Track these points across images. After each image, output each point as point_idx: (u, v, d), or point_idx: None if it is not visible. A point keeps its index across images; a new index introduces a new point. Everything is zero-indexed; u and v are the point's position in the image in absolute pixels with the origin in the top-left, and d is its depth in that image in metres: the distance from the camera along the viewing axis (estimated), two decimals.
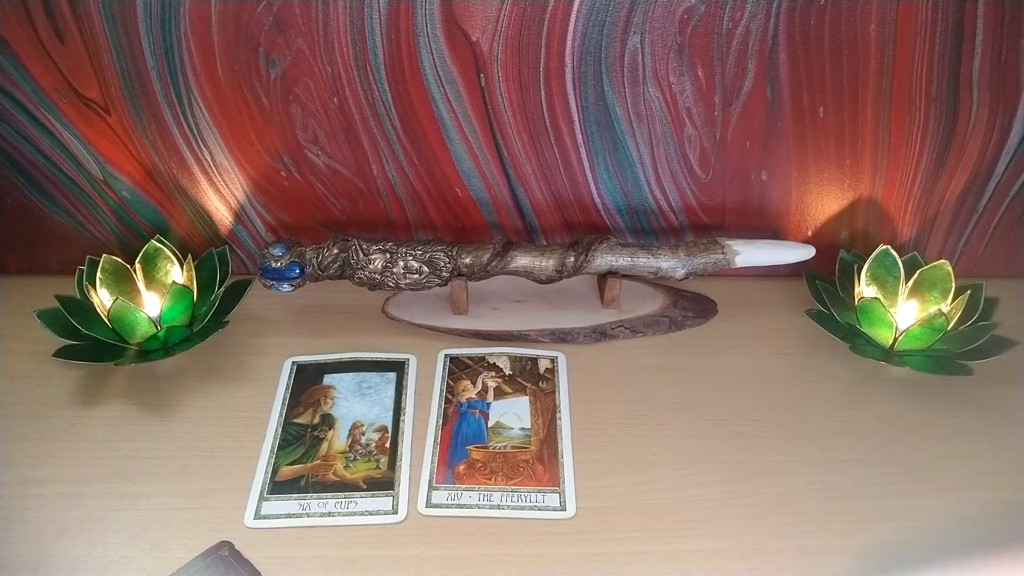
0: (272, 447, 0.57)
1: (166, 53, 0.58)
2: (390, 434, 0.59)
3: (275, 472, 0.56)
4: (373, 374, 0.63)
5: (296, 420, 0.60)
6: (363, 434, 0.58)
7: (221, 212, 0.70)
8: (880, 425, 0.60)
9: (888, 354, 0.63)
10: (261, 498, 0.54)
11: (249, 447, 0.57)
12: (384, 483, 0.55)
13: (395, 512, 0.53)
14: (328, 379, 0.63)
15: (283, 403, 0.61)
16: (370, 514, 0.53)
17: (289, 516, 0.52)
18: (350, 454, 0.57)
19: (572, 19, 0.57)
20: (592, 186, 0.68)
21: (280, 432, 0.58)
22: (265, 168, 0.67)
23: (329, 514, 0.53)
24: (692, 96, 0.62)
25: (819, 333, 0.66)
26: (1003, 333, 0.63)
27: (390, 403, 0.61)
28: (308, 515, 0.53)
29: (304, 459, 0.57)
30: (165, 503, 0.53)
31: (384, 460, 0.57)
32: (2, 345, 0.66)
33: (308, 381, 0.63)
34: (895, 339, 0.63)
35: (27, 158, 0.65)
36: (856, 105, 0.62)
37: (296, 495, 0.54)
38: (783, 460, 0.57)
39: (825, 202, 0.70)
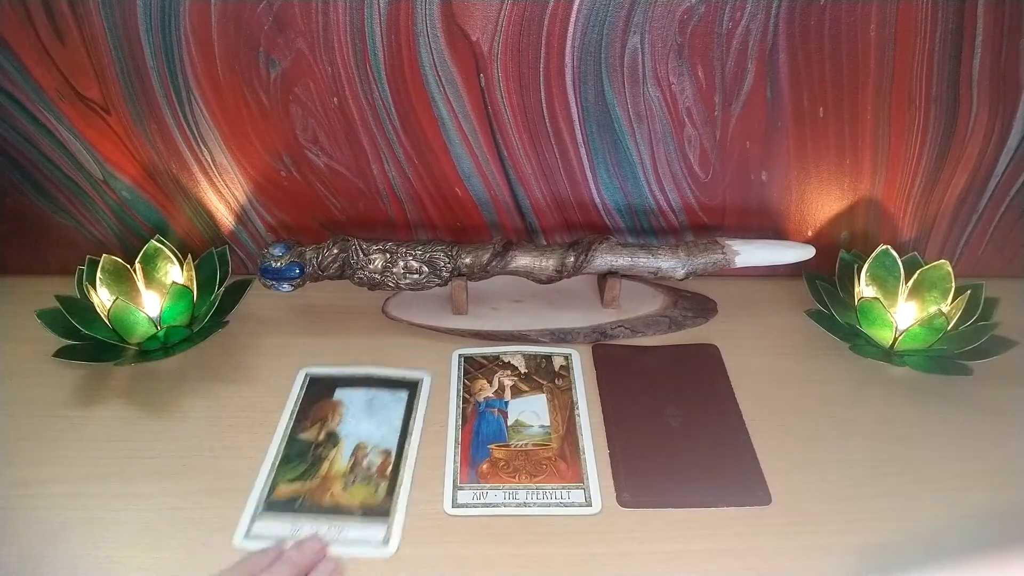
0: (274, 462, 0.56)
1: (166, 53, 0.59)
2: (393, 458, 0.56)
3: (273, 489, 0.54)
4: (384, 392, 0.62)
5: (301, 436, 0.58)
6: (366, 456, 0.56)
7: (221, 212, 0.70)
8: (880, 425, 0.60)
9: (888, 354, 0.63)
10: (255, 517, 0.52)
11: (247, 447, 0.57)
12: (379, 511, 0.52)
13: (385, 544, 0.50)
14: (339, 393, 0.61)
15: (291, 416, 0.60)
16: (359, 544, 0.50)
17: (277, 540, 0.50)
18: (350, 476, 0.55)
19: (572, 19, 0.57)
20: (592, 186, 0.68)
21: (284, 447, 0.57)
22: (265, 168, 0.67)
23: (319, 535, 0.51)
24: (692, 96, 0.62)
25: (819, 333, 0.66)
26: (1003, 333, 0.63)
27: (398, 424, 0.59)
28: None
29: (304, 477, 0.55)
30: (165, 503, 0.53)
31: (383, 486, 0.54)
32: (2, 345, 0.66)
33: (319, 395, 0.61)
34: (895, 339, 0.63)
35: (27, 158, 0.65)
36: (856, 105, 0.62)
37: (290, 516, 0.52)
38: (783, 460, 0.56)
39: (825, 202, 0.70)
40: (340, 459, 0.56)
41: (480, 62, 0.59)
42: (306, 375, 0.63)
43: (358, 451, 0.57)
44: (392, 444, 0.57)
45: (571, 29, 0.58)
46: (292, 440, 0.58)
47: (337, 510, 0.52)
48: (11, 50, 0.58)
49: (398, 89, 0.61)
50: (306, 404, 0.61)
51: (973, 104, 0.62)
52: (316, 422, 0.59)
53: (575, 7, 0.57)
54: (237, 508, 0.53)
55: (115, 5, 0.56)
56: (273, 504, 0.53)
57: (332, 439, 0.58)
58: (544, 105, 0.62)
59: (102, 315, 0.61)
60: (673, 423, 0.59)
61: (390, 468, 0.56)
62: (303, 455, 0.56)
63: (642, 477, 0.55)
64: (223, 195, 0.69)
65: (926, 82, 0.61)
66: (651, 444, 0.58)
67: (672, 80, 0.61)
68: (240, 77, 0.60)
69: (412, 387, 0.62)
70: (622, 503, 0.53)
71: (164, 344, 0.63)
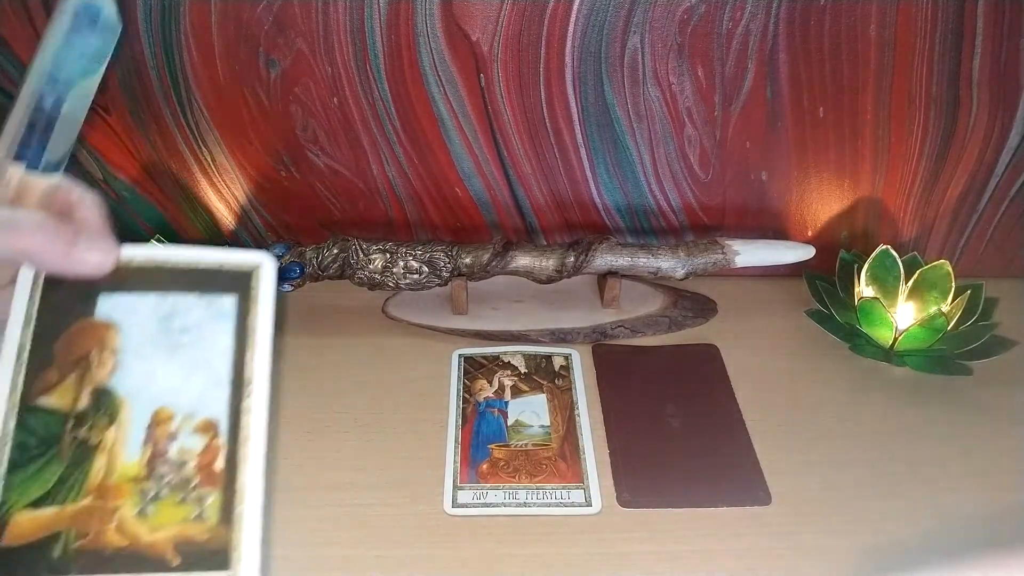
0: None
1: (166, 53, 0.58)
2: (224, 438, 0.30)
3: (2, 525, 0.28)
4: (191, 299, 0.32)
5: (42, 402, 0.30)
6: (174, 436, 0.31)
7: (221, 212, 0.70)
8: (880, 425, 0.60)
9: (888, 354, 0.63)
10: None
11: None
12: (212, 555, 0.29)
13: None
14: (106, 306, 0.32)
15: (18, 361, 0.30)
16: None
17: None
18: (148, 484, 0.30)
19: (572, 19, 0.57)
20: (592, 186, 0.68)
21: (12, 434, 0.29)
22: (265, 168, 0.67)
23: None
24: (692, 96, 0.62)
25: (819, 333, 0.66)
26: (1003, 333, 0.63)
27: (224, 365, 0.32)
28: None
29: (59, 494, 0.29)
30: None
31: (213, 500, 0.30)
32: None
33: (68, 310, 0.31)
34: (895, 339, 0.63)
35: None
36: (856, 105, 0.62)
37: None
38: (783, 460, 0.56)
39: (825, 202, 0.70)
40: (124, 447, 0.30)
41: (480, 62, 0.59)
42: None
43: (156, 426, 0.31)
44: (220, 407, 0.31)
45: (571, 29, 0.58)
46: (28, 411, 0.30)
47: (137, 561, 0.29)
48: (11, 50, 0.58)
49: (398, 89, 0.61)
50: (46, 330, 0.31)
51: (973, 104, 0.62)
52: (68, 369, 0.31)
53: (575, 7, 0.57)
54: None
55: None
56: (6, 559, 0.28)
57: (102, 403, 0.31)
58: (544, 105, 0.62)
59: None
60: (673, 423, 0.59)
61: (221, 460, 0.30)
62: (48, 443, 0.30)
63: (642, 477, 0.55)
64: (223, 195, 0.69)
65: (926, 82, 0.61)
66: (651, 444, 0.58)
67: (672, 80, 0.61)
68: (240, 77, 0.60)
69: (241, 285, 0.33)
70: (622, 503, 0.53)
71: None
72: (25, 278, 0.31)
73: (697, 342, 0.68)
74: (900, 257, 0.65)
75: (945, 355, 0.62)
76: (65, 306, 0.31)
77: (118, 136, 0.64)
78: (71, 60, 0.37)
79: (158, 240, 0.65)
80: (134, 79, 0.60)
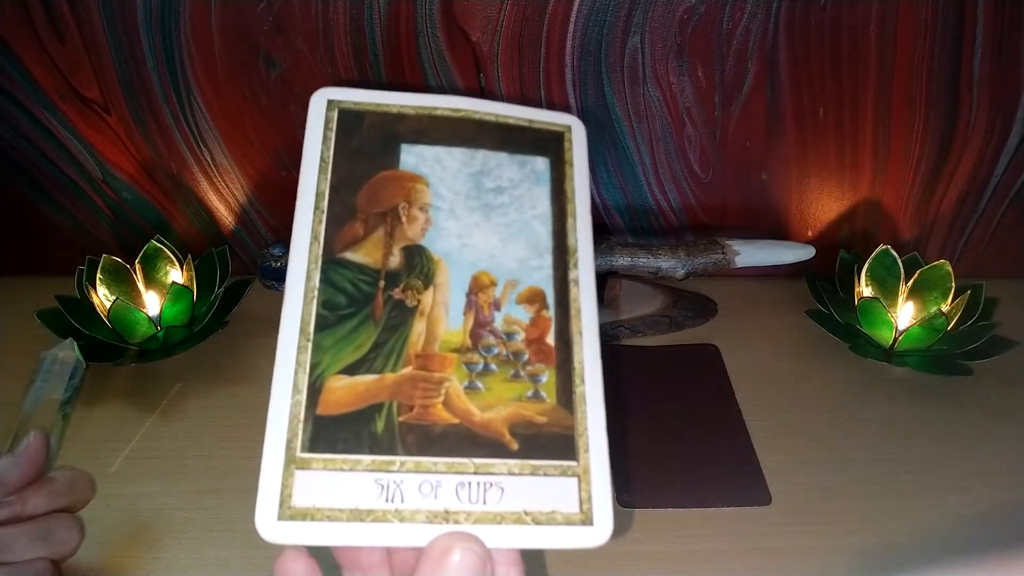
0: (303, 326, 0.26)
1: (166, 53, 0.59)
2: (552, 312, 0.27)
3: (316, 391, 0.25)
4: (501, 157, 0.30)
5: (348, 257, 0.27)
6: (497, 305, 0.28)
7: (221, 212, 0.70)
8: (880, 425, 0.60)
9: (888, 354, 0.63)
10: (289, 467, 0.24)
11: (249, 447, 0.57)
12: (554, 441, 0.26)
13: (586, 518, 0.26)
14: (409, 156, 0.30)
15: (317, 210, 0.28)
16: (532, 520, 0.25)
17: (353, 517, 0.23)
18: (474, 356, 0.27)
19: (572, 19, 0.57)
20: (592, 186, 0.68)
21: (319, 289, 0.27)
22: (265, 168, 0.67)
23: (445, 514, 0.24)
24: (692, 96, 0.62)
25: (819, 333, 0.66)
26: (1003, 333, 0.63)
27: (544, 231, 0.29)
28: (398, 515, 0.24)
29: (375, 360, 0.26)
30: (165, 503, 0.53)
31: (549, 379, 0.27)
32: (2, 345, 0.66)
33: (369, 159, 0.29)
34: (895, 339, 0.63)
35: (27, 158, 0.65)
36: (856, 105, 0.62)
37: (370, 458, 0.24)
38: (783, 460, 0.56)
39: (825, 202, 0.70)
40: (444, 313, 0.27)
41: (480, 62, 0.59)
42: (329, 103, 0.30)
43: (478, 292, 0.28)
44: (543, 276, 0.28)
45: (571, 29, 0.58)
46: (331, 266, 0.27)
47: (466, 445, 0.25)
48: (11, 50, 0.58)
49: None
50: (346, 177, 0.29)
51: (973, 104, 0.62)
52: (374, 223, 0.28)
53: (575, 7, 0.57)
54: (240, 507, 0.52)
55: (115, 5, 0.56)
56: (325, 429, 0.24)
57: (416, 263, 0.28)
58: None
59: (102, 315, 0.61)
60: (673, 423, 0.59)
61: (551, 335, 0.27)
62: (359, 303, 0.27)
63: (642, 477, 0.55)
64: (223, 195, 0.69)
65: (926, 82, 0.61)
66: (651, 444, 0.58)
67: (672, 80, 0.61)
68: (240, 77, 0.60)
69: (553, 147, 0.32)
70: (622, 503, 0.53)
71: (164, 344, 0.63)
72: (317, 114, 0.29)
73: (697, 342, 0.68)
74: (900, 257, 0.65)
75: (945, 355, 0.62)
76: (365, 153, 0.29)
77: (118, 136, 0.64)
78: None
79: (158, 240, 0.65)
80: (134, 79, 0.60)
